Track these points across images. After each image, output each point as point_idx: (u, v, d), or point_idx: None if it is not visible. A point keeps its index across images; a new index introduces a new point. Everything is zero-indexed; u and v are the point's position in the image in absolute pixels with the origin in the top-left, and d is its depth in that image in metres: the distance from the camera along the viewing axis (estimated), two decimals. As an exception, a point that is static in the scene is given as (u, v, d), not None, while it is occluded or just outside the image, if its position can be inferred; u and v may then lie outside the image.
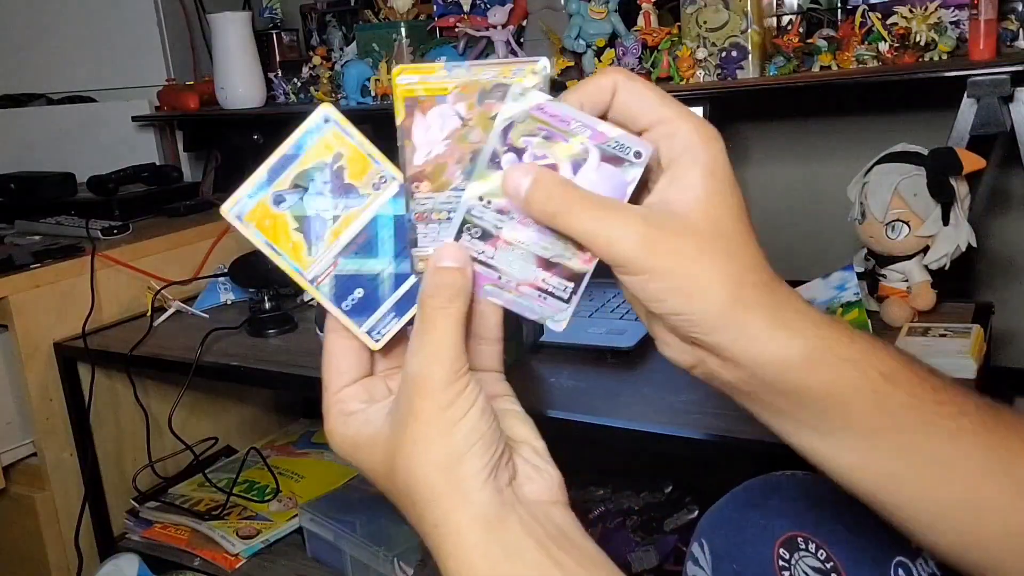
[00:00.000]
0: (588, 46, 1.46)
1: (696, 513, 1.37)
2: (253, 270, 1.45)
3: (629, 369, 1.11)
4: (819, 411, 0.46)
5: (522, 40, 1.56)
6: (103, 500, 1.57)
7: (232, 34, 1.83)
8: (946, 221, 1.10)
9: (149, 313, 1.53)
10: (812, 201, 1.57)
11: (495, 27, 1.52)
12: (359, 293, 0.50)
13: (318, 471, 1.64)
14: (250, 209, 0.50)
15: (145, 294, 1.58)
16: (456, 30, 1.59)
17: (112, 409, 1.58)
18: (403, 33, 1.65)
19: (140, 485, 1.57)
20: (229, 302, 1.61)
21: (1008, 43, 1.23)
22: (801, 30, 1.35)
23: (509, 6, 1.54)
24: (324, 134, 0.49)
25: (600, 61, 1.43)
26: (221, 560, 1.48)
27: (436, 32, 1.69)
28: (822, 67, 1.32)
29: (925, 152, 1.12)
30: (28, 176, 1.90)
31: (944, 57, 1.22)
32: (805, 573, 0.62)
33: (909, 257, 1.14)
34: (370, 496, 1.45)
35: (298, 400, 1.93)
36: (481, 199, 0.47)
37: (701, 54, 1.36)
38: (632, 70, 1.41)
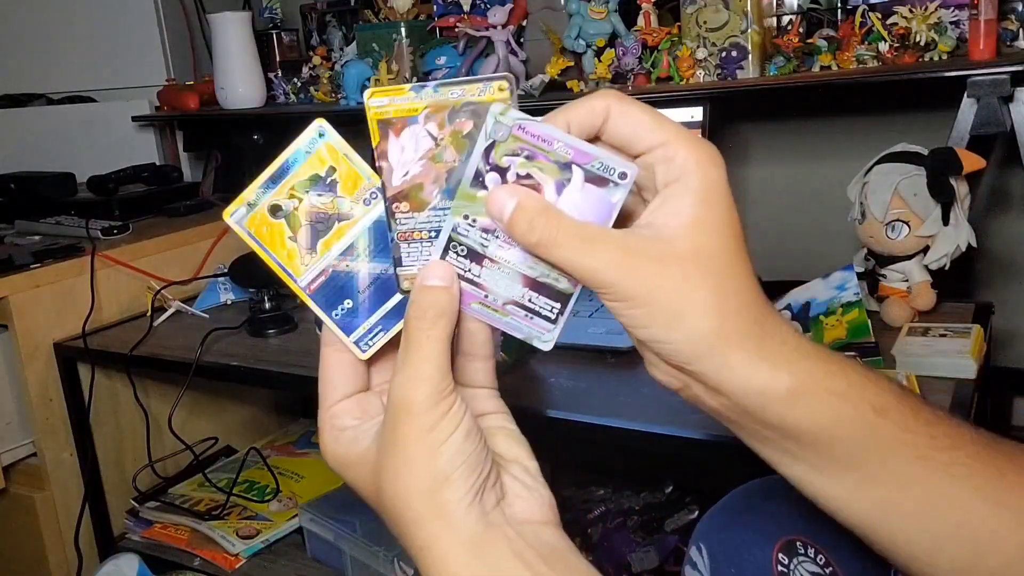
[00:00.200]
0: (588, 46, 1.46)
1: (696, 513, 1.37)
2: (253, 270, 1.45)
3: (629, 369, 1.11)
4: (806, 443, 0.45)
5: (522, 40, 1.56)
6: (103, 500, 1.58)
7: (232, 34, 1.83)
8: (946, 221, 1.10)
9: (149, 313, 1.53)
10: (812, 201, 1.57)
11: (495, 27, 1.52)
12: (348, 304, 0.51)
13: (318, 471, 1.64)
14: (249, 216, 0.52)
15: (145, 294, 1.58)
16: (456, 30, 1.59)
17: (112, 409, 1.58)
18: (403, 33, 1.65)
19: (140, 485, 1.57)
20: (229, 302, 1.61)
21: (1008, 43, 1.23)
22: (801, 30, 1.35)
23: (509, 6, 1.54)
24: (319, 147, 0.51)
25: (600, 61, 1.43)
26: (221, 560, 1.48)
27: (436, 32, 1.69)
28: (822, 67, 1.32)
29: (925, 152, 1.12)
30: (28, 176, 1.90)
31: (944, 57, 1.22)
32: (804, 578, 0.62)
33: (909, 257, 1.14)
34: (370, 496, 1.45)
35: (298, 400, 1.93)
36: (466, 217, 0.47)
37: (701, 54, 1.36)
38: (632, 70, 1.42)
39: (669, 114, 1.51)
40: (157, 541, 1.54)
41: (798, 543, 0.63)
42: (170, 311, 1.55)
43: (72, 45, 2.09)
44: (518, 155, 0.46)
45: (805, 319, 1.10)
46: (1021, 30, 1.23)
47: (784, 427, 0.45)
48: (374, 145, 0.49)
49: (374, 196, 0.51)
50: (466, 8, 1.58)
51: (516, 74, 1.53)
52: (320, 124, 0.51)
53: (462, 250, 0.47)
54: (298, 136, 0.51)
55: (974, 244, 1.10)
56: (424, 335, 0.45)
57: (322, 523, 1.45)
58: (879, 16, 1.26)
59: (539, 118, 0.46)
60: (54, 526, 1.53)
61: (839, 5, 1.36)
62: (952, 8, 1.23)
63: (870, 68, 1.27)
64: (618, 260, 0.43)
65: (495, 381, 0.52)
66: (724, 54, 1.34)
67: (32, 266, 1.48)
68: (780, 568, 0.63)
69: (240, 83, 1.84)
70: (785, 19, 1.40)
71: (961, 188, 1.10)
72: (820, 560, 0.62)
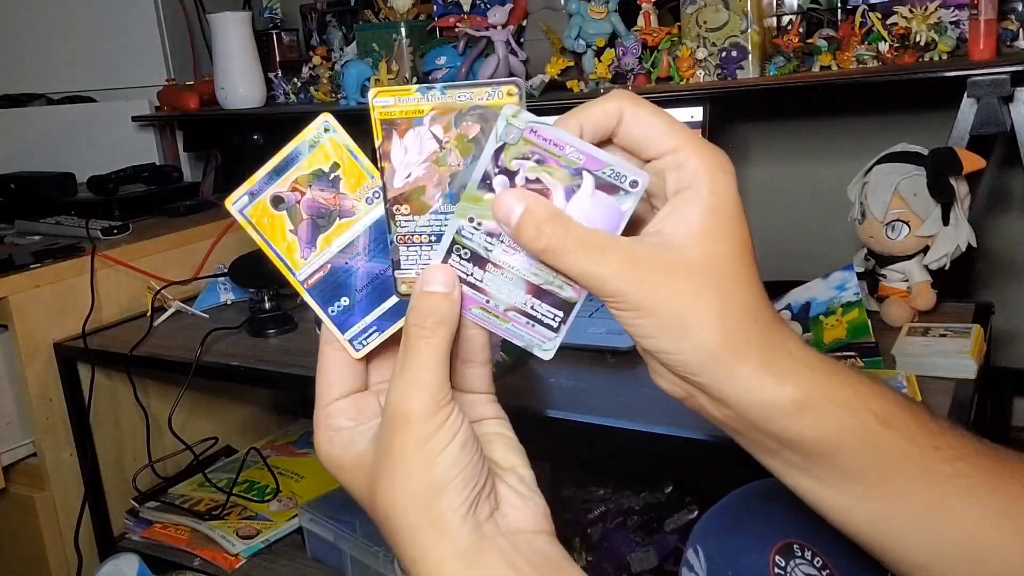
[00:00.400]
0: (588, 46, 1.46)
1: (696, 513, 1.37)
2: (253, 270, 1.45)
3: (629, 369, 1.11)
4: (811, 454, 0.45)
5: (522, 40, 1.56)
6: (103, 500, 1.58)
7: (232, 34, 1.83)
8: (946, 221, 1.10)
9: (149, 313, 1.53)
10: (812, 201, 1.57)
11: (495, 27, 1.52)
12: (344, 301, 0.51)
13: (318, 471, 1.63)
14: (252, 205, 0.51)
15: (145, 294, 1.58)
16: (456, 30, 1.59)
17: (112, 409, 1.58)
18: (403, 33, 1.65)
19: (140, 485, 1.57)
20: (229, 302, 1.61)
21: (1008, 43, 1.23)
22: (801, 30, 1.35)
23: (509, 6, 1.54)
24: (323, 142, 0.51)
25: (600, 61, 1.43)
26: (221, 560, 1.48)
27: (436, 32, 1.69)
28: (822, 67, 1.32)
29: (925, 152, 1.12)
30: (28, 176, 1.90)
31: (944, 57, 1.22)
32: (800, 581, 0.62)
33: (909, 257, 1.14)
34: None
35: (298, 400, 1.93)
36: (471, 220, 0.46)
37: (701, 54, 1.36)
38: (632, 70, 1.42)
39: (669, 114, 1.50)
40: (157, 541, 1.54)
41: (795, 546, 0.63)
42: (170, 311, 1.55)
43: (72, 45, 2.09)
44: (528, 159, 0.45)
45: (805, 319, 1.10)
46: (1021, 30, 1.23)
47: (789, 439, 0.45)
48: (376, 145, 0.48)
49: (376, 195, 0.51)
50: (466, 8, 1.58)
51: (516, 74, 1.53)
52: (326, 119, 0.51)
53: (465, 253, 0.47)
54: (304, 129, 0.51)
55: (974, 244, 1.10)
56: (424, 343, 0.45)
57: (322, 523, 1.45)
58: (879, 16, 1.26)
59: (551, 118, 0.45)
60: (54, 526, 1.53)
61: (839, 5, 1.36)
62: (952, 8, 1.23)
63: (870, 68, 1.27)
64: (627, 269, 0.43)
65: (492, 386, 0.52)
66: (724, 54, 1.34)
67: (32, 266, 1.48)
68: (777, 571, 0.62)
69: (240, 83, 1.84)
70: (785, 19, 1.40)
71: (961, 188, 1.10)
72: (817, 563, 0.62)
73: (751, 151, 1.61)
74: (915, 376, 0.95)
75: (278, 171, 0.51)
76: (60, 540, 1.53)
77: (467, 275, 0.47)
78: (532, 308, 0.47)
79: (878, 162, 1.15)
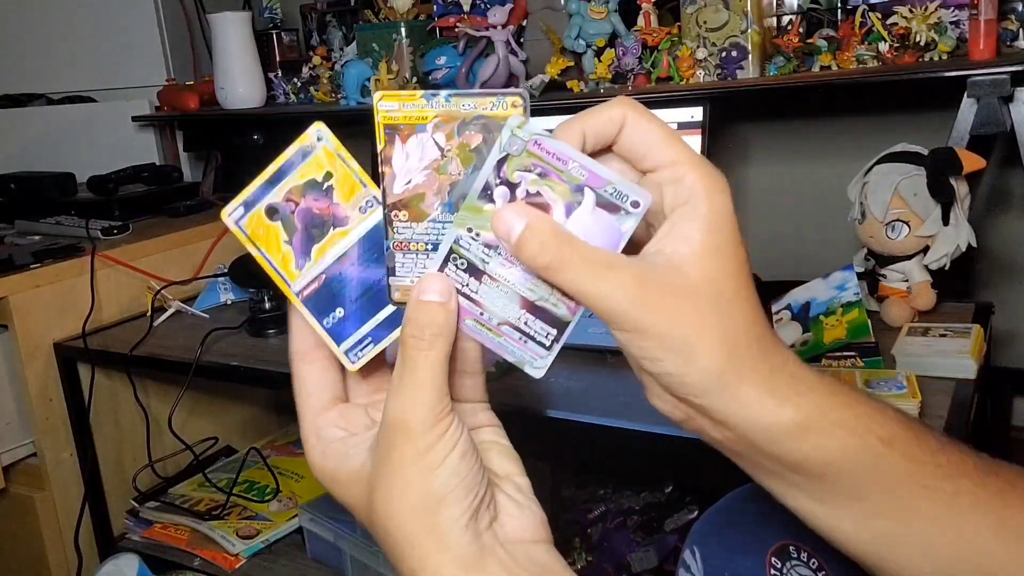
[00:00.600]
0: (588, 46, 1.46)
1: (696, 513, 1.37)
2: (253, 270, 1.44)
3: (629, 369, 1.11)
4: (813, 476, 0.45)
5: (522, 40, 1.56)
6: (103, 500, 1.58)
7: (232, 34, 1.83)
8: (946, 221, 1.10)
9: (149, 313, 1.53)
10: (812, 201, 1.57)
11: (495, 27, 1.52)
12: (339, 312, 0.51)
13: (318, 471, 1.64)
14: (247, 216, 0.51)
15: (145, 294, 1.58)
16: (456, 30, 1.59)
17: (112, 409, 1.59)
18: (403, 33, 1.65)
19: (140, 485, 1.57)
20: (229, 302, 1.61)
21: (1008, 43, 1.23)
22: (801, 30, 1.35)
23: (509, 6, 1.54)
24: (317, 152, 0.50)
25: (600, 61, 1.43)
26: (221, 560, 1.48)
27: (436, 32, 1.69)
28: (822, 67, 1.32)
29: (925, 152, 1.12)
30: (28, 176, 1.90)
31: (944, 57, 1.22)
32: (796, 583, 0.62)
33: (909, 257, 1.14)
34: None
35: (298, 400, 1.93)
36: (470, 230, 0.46)
37: (701, 54, 1.36)
38: (632, 70, 1.42)
39: (669, 114, 1.51)
40: (157, 541, 1.54)
41: (791, 547, 0.63)
42: (170, 311, 1.56)
43: (72, 45, 2.09)
44: (530, 171, 0.45)
45: (805, 319, 1.10)
46: (1021, 30, 1.23)
47: (791, 460, 0.44)
48: (379, 149, 0.48)
49: (370, 204, 0.50)
50: (466, 8, 1.58)
51: (516, 74, 1.53)
52: (319, 128, 0.50)
53: (462, 263, 0.46)
54: (297, 138, 0.51)
55: (974, 244, 1.10)
56: (422, 355, 0.44)
57: (322, 523, 1.45)
58: (879, 16, 1.26)
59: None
60: (54, 526, 1.53)
61: (839, 5, 1.36)
62: (952, 8, 1.23)
63: (870, 68, 1.27)
64: (632, 290, 0.42)
65: (486, 395, 0.51)
66: (724, 54, 1.34)
67: (32, 266, 1.48)
68: (773, 572, 0.62)
69: (240, 83, 1.84)
70: (785, 19, 1.40)
71: (961, 188, 1.10)
72: (813, 564, 0.62)
73: (751, 151, 1.61)
74: (915, 376, 0.95)
75: (272, 181, 0.50)
76: (60, 540, 1.53)
77: (462, 286, 0.46)
78: (526, 324, 0.47)
79: (878, 162, 1.15)
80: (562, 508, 1.47)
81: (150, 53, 2.05)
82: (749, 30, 1.32)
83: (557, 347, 0.47)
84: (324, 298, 0.51)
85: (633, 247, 0.45)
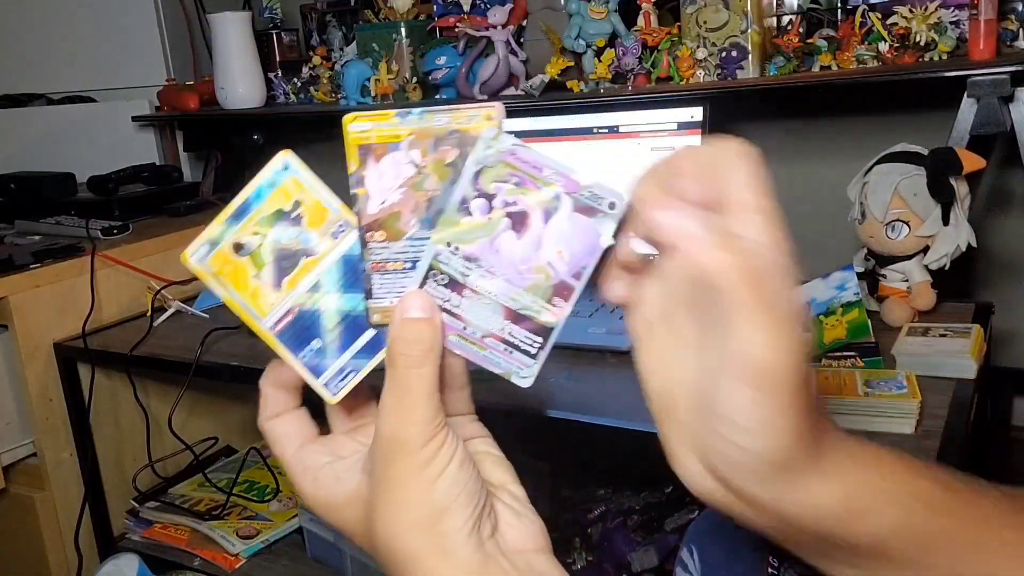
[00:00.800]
0: (588, 46, 1.46)
1: (696, 513, 1.37)
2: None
3: (629, 369, 1.11)
4: (860, 552, 0.43)
5: (522, 40, 1.56)
6: (103, 500, 1.58)
7: (232, 34, 1.83)
8: (946, 221, 1.10)
9: (149, 313, 1.53)
10: (812, 201, 1.57)
11: (495, 27, 1.52)
12: (316, 344, 0.49)
13: (318, 471, 1.64)
14: (211, 255, 0.49)
15: (145, 294, 1.58)
16: (456, 30, 1.59)
17: (112, 409, 1.59)
18: (403, 33, 1.65)
19: (140, 485, 1.57)
20: (229, 302, 1.61)
21: (1008, 43, 1.23)
22: (801, 30, 1.35)
23: (509, 6, 1.54)
24: (284, 181, 0.49)
25: (600, 61, 1.43)
26: (221, 560, 1.48)
27: (436, 32, 1.69)
28: (822, 67, 1.32)
29: (925, 152, 1.12)
30: (28, 176, 1.90)
31: (944, 57, 1.22)
32: (794, 582, 0.62)
33: (909, 257, 1.14)
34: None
35: (298, 400, 1.93)
36: (448, 245, 0.45)
37: (701, 54, 1.36)
38: (632, 70, 1.42)
39: (669, 114, 1.50)
40: (157, 541, 1.54)
41: None
42: (170, 311, 1.55)
43: (72, 45, 2.09)
44: (507, 182, 0.45)
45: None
46: (1021, 30, 1.23)
47: (836, 537, 0.43)
48: (351, 171, 0.47)
49: (342, 229, 0.49)
50: (466, 8, 1.58)
51: (516, 74, 1.53)
52: (285, 157, 0.49)
53: (442, 279, 0.46)
54: (262, 170, 0.49)
55: (974, 244, 1.10)
56: (414, 373, 0.44)
57: (322, 523, 1.45)
58: (879, 16, 1.26)
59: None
60: (54, 526, 1.53)
61: (839, 5, 1.36)
62: (952, 8, 1.23)
63: (870, 68, 1.27)
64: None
65: (473, 406, 0.51)
66: (724, 54, 1.34)
67: (32, 266, 1.48)
68: (771, 571, 0.63)
69: (240, 83, 1.84)
70: (785, 19, 1.40)
71: (961, 188, 1.10)
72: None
73: (751, 151, 1.61)
74: (915, 376, 0.95)
75: (236, 216, 0.49)
76: (60, 540, 1.53)
77: (444, 301, 0.46)
78: (510, 334, 0.46)
79: (878, 162, 1.15)
80: (562, 508, 1.47)
81: (150, 53, 2.05)
82: (749, 30, 1.32)
83: (543, 354, 0.47)
84: (299, 330, 0.49)
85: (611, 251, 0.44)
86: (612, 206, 0.44)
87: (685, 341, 0.44)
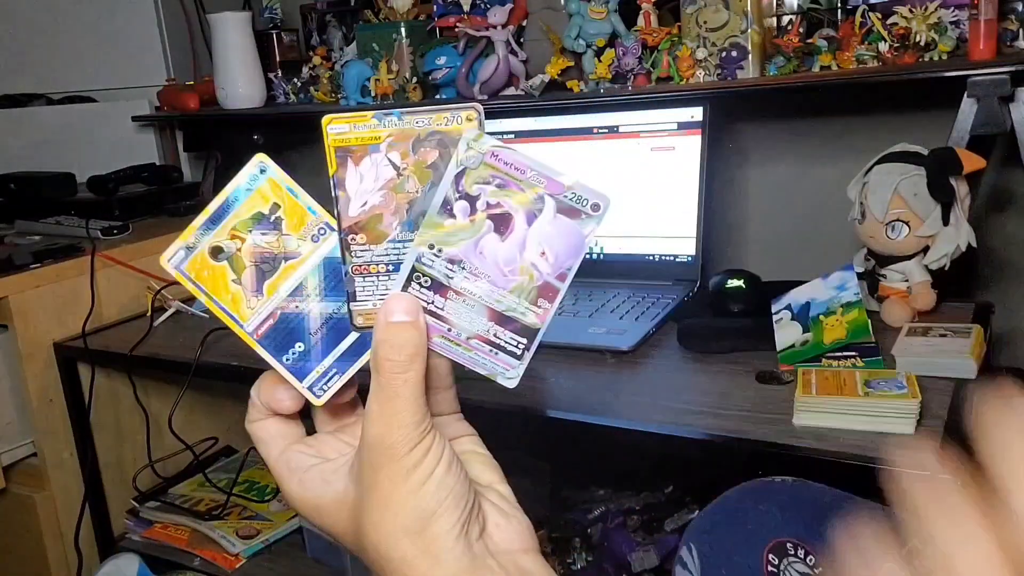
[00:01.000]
0: (588, 46, 1.46)
1: (696, 513, 1.37)
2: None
3: (629, 369, 1.11)
4: None
5: (522, 40, 1.56)
6: (103, 500, 1.58)
7: (232, 34, 1.83)
8: (946, 221, 1.10)
9: (149, 313, 1.53)
10: (812, 201, 1.57)
11: (495, 27, 1.52)
12: (299, 347, 0.49)
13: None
14: (189, 260, 0.49)
15: (145, 294, 1.58)
16: (456, 30, 1.59)
17: (112, 409, 1.59)
18: (403, 33, 1.65)
19: (140, 485, 1.58)
20: (229, 302, 1.61)
21: (1008, 43, 1.23)
22: (801, 30, 1.35)
23: (509, 6, 1.54)
24: (261, 184, 0.49)
25: (600, 61, 1.43)
26: (221, 560, 1.48)
27: (436, 32, 1.69)
28: (822, 67, 1.32)
29: (925, 152, 1.12)
30: (28, 176, 1.90)
31: (944, 57, 1.22)
32: (794, 580, 0.62)
33: (909, 257, 1.14)
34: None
35: (298, 400, 1.93)
36: (432, 247, 0.45)
37: (701, 54, 1.36)
38: (632, 70, 1.42)
39: (669, 114, 1.51)
40: (157, 541, 1.54)
41: (788, 544, 0.63)
42: (170, 311, 1.55)
43: (72, 45, 2.09)
44: (489, 183, 0.45)
45: (805, 319, 1.10)
46: (1021, 30, 1.23)
47: None
48: (330, 174, 0.47)
49: (323, 232, 0.49)
50: (466, 8, 1.58)
51: (516, 74, 1.53)
52: (261, 160, 0.49)
53: (426, 281, 0.46)
54: (238, 174, 0.49)
55: (974, 244, 1.10)
56: (400, 378, 0.44)
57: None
58: (879, 16, 1.26)
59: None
60: (54, 526, 1.53)
61: (839, 5, 1.36)
62: (952, 8, 1.23)
63: (870, 68, 1.27)
64: None
65: (458, 405, 0.51)
66: (724, 54, 1.34)
67: (32, 266, 1.48)
68: (770, 568, 0.63)
69: (240, 83, 1.83)
70: (785, 19, 1.40)
71: (961, 188, 1.10)
72: (810, 561, 0.62)
73: (751, 151, 1.61)
74: (915, 376, 0.95)
75: (214, 220, 0.49)
76: (60, 540, 1.53)
77: (428, 303, 0.46)
78: (495, 336, 0.46)
79: (878, 162, 1.15)
80: (562, 508, 1.47)
81: (150, 53, 2.05)
82: (749, 30, 1.32)
83: (528, 355, 0.47)
84: (281, 334, 0.49)
85: None
86: (595, 207, 0.44)
87: None
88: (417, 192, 0.46)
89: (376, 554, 0.45)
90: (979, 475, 0.35)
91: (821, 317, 1.09)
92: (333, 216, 0.48)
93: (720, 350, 1.13)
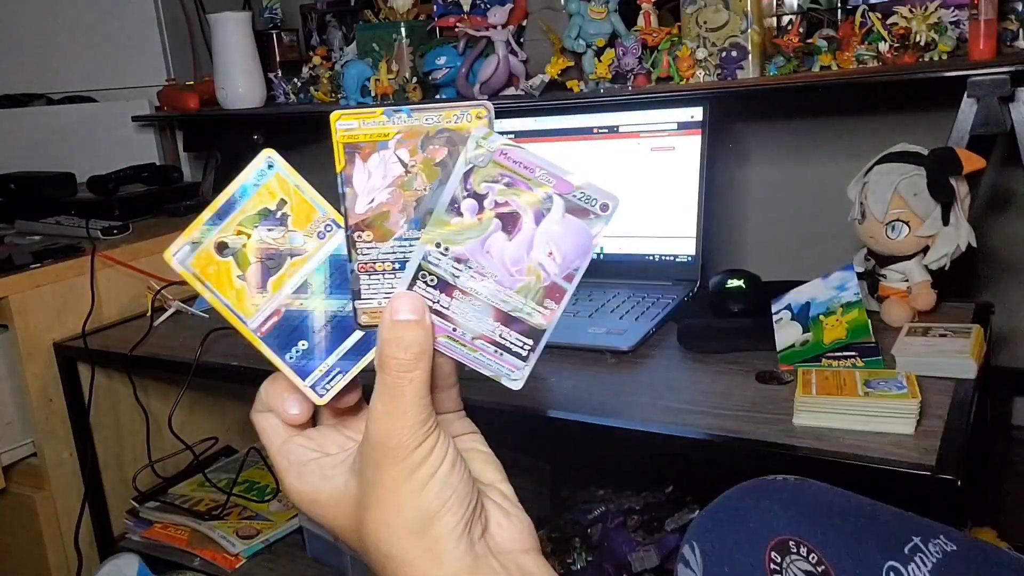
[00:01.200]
0: (588, 46, 1.46)
1: (696, 513, 1.37)
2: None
3: (629, 369, 1.11)
4: None
5: (522, 40, 1.56)
6: (103, 500, 1.58)
7: (232, 34, 1.83)
8: (946, 221, 1.10)
9: (149, 313, 1.53)
10: (812, 201, 1.57)
11: (495, 27, 1.52)
12: (303, 345, 0.48)
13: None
14: (194, 255, 0.48)
15: (145, 294, 1.58)
16: (456, 30, 1.59)
17: (112, 409, 1.59)
18: (403, 33, 1.65)
19: (140, 485, 1.57)
20: (229, 302, 1.61)
21: (1008, 43, 1.23)
22: (801, 30, 1.35)
23: (509, 6, 1.54)
24: (268, 179, 0.48)
25: (600, 61, 1.43)
26: (221, 560, 1.48)
27: (436, 32, 1.69)
28: (822, 67, 1.32)
29: (925, 152, 1.12)
30: (28, 176, 1.90)
31: (944, 57, 1.22)
32: (796, 578, 0.62)
33: (909, 257, 1.14)
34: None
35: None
36: (438, 245, 0.45)
37: (701, 54, 1.36)
38: (632, 70, 1.42)
39: (669, 114, 1.51)
40: (157, 541, 1.54)
41: (791, 543, 0.63)
42: (170, 311, 1.55)
43: (72, 45, 2.09)
44: (497, 182, 0.44)
45: (805, 319, 1.10)
46: (1021, 30, 1.23)
47: None
48: (338, 170, 0.46)
49: (329, 229, 0.48)
50: (466, 8, 1.58)
51: (516, 74, 1.53)
52: (269, 155, 0.48)
53: (432, 280, 0.45)
54: (245, 168, 0.48)
55: (974, 244, 1.10)
56: (405, 378, 0.43)
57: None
58: (879, 16, 1.26)
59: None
60: (54, 526, 1.53)
61: (839, 5, 1.36)
62: (952, 8, 1.23)
63: (870, 68, 1.27)
64: None
65: (461, 403, 0.51)
66: (724, 54, 1.34)
67: (32, 266, 1.48)
68: (773, 567, 0.63)
69: (240, 83, 1.84)
70: (785, 19, 1.40)
71: (961, 188, 1.10)
72: (813, 559, 0.62)
73: (751, 151, 1.61)
74: (915, 376, 0.95)
75: (220, 215, 0.48)
76: (60, 540, 1.53)
77: (433, 302, 0.45)
78: (500, 336, 0.46)
79: (878, 162, 1.15)
80: (562, 508, 1.47)
81: (150, 53, 2.05)
82: (749, 30, 1.32)
83: (534, 357, 0.46)
84: (285, 332, 0.48)
85: None
86: (605, 208, 0.44)
87: None
88: (425, 190, 0.46)
89: (377, 552, 0.45)
90: None
91: (821, 317, 1.09)
92: (340, 213, 0.48)
93: (720, 350, 1.13)
